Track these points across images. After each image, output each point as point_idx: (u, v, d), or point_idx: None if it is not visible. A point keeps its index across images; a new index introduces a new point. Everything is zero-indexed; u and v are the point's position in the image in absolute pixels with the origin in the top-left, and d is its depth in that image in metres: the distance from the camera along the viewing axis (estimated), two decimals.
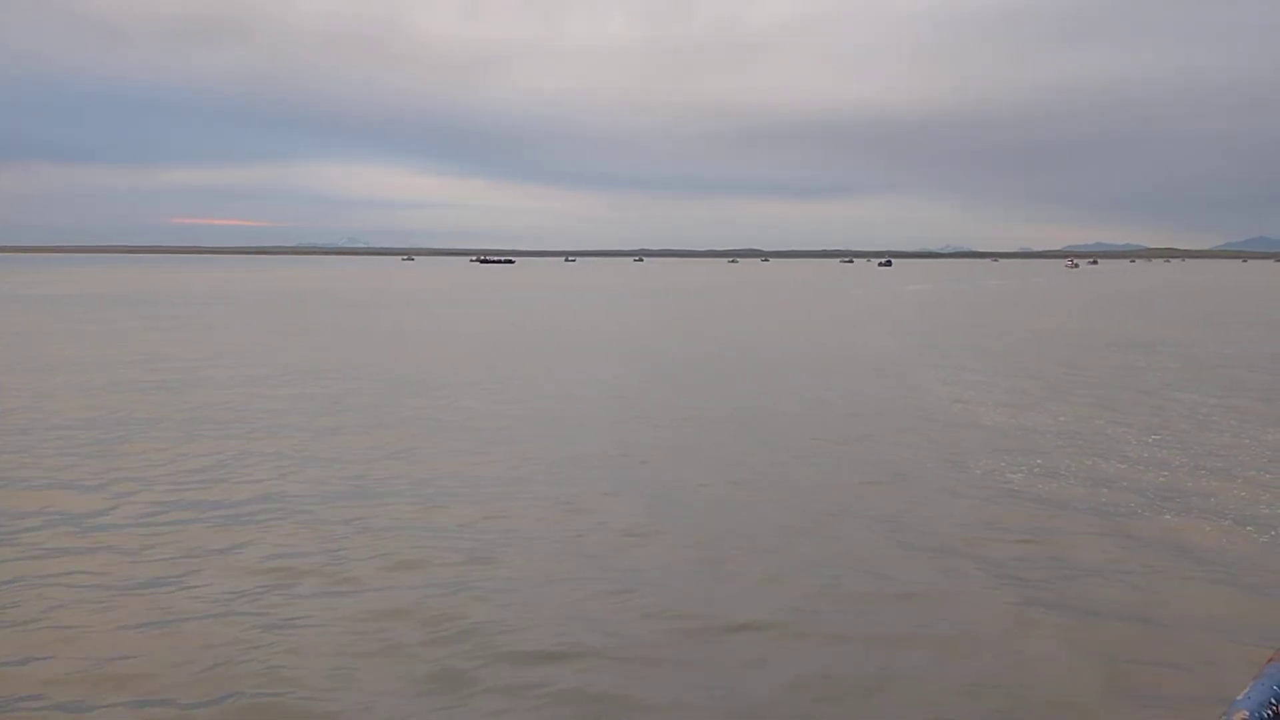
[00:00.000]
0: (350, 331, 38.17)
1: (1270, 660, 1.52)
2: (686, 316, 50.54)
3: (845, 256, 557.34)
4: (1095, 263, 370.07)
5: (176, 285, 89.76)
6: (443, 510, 11.47)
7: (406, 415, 18.06)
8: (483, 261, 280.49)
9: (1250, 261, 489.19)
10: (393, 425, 17.00)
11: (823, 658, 7.43)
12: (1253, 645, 7.34)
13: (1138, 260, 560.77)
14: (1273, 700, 1.40)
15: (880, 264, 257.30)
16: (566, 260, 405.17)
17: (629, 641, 7.64)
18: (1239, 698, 1.42)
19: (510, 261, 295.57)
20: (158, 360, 26.68)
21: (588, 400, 20.38)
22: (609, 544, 10.24)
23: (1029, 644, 7.66)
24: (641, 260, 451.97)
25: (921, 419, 17.82)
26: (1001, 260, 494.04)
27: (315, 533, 10.52)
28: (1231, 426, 16.96)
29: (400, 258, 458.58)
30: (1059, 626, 7.96)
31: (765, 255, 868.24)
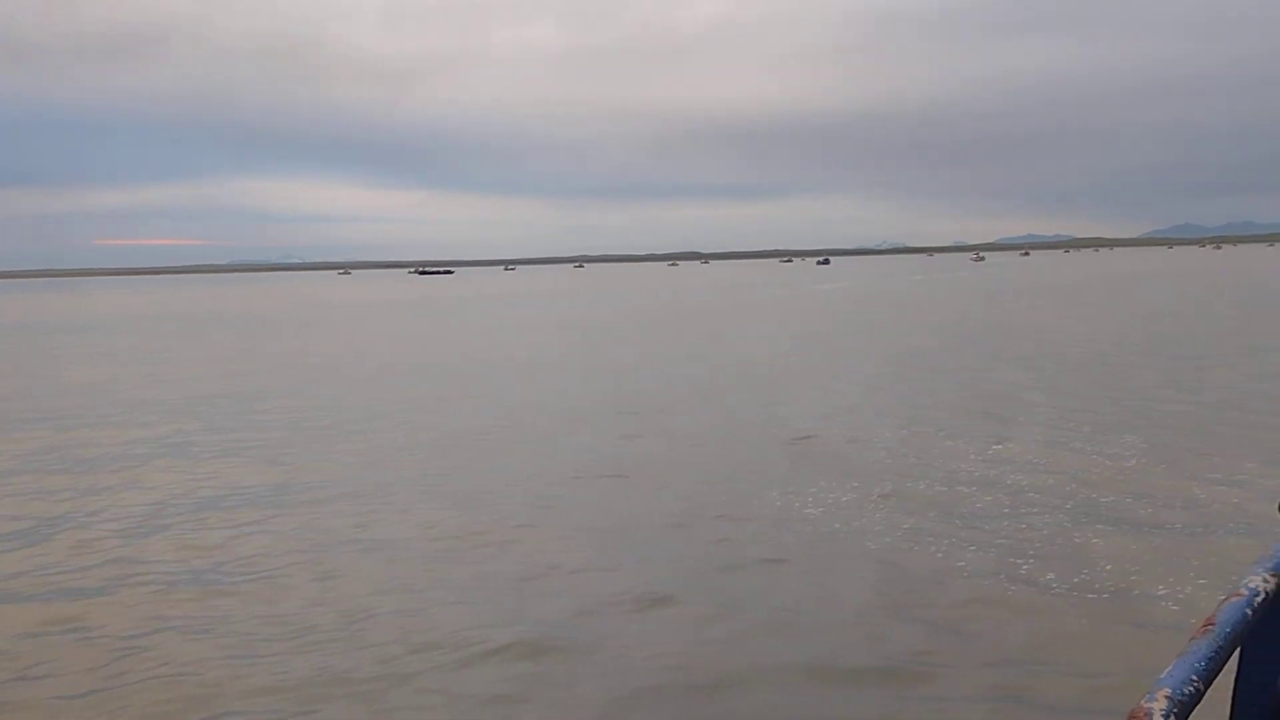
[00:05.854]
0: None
1: (1193, 638, 1.55)
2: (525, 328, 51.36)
3: (785, 256, 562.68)
4: (1027, 254, 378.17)
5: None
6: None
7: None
8: (422, 273, 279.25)
9: (1175, 248, 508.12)
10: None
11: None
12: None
13: (1071, 250, 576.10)
14: (1194, 676, 1.43)
15: (819, 263, 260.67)
16: (506, 269, 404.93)
17: None
18: (1162, 676, 1.42)
19: (449, 272, 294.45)
20: None
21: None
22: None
23: None
24: (582, 266, 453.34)
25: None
26: (936, 255, 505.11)
27: None
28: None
29: (336, 272, 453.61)
30: None
31: (705, 257, 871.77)
